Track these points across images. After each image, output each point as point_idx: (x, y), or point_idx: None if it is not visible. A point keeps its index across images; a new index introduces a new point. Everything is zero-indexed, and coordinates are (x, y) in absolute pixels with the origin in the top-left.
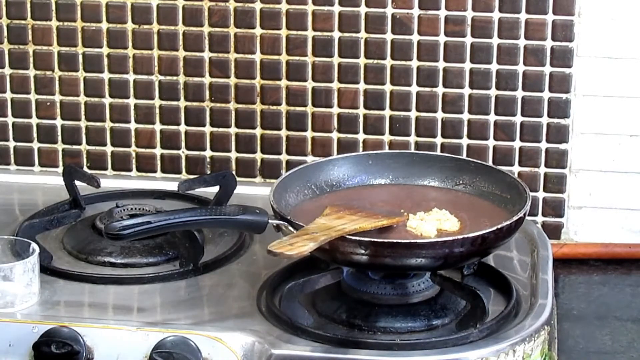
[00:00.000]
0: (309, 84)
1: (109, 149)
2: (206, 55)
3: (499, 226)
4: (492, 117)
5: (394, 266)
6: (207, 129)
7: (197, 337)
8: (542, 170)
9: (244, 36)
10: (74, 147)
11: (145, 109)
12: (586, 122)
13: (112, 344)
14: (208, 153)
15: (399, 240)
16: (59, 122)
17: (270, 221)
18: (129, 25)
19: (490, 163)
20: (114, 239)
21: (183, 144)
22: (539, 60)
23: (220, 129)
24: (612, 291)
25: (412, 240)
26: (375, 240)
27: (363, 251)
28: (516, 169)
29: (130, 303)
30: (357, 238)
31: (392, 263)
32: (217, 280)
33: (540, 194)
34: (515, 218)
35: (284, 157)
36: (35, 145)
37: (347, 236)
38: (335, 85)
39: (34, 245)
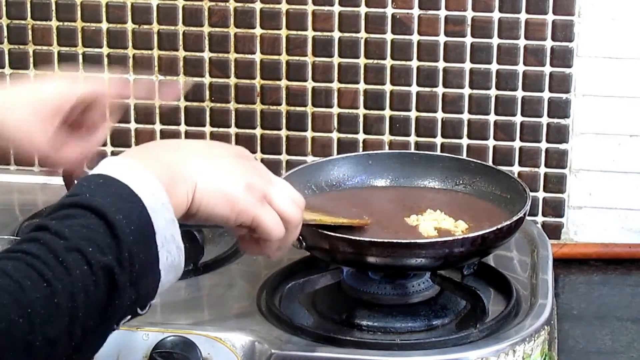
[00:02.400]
0: (309, 84)
1: (109, 148)
2: (206, 55)
3: (499, 226)
4: (492, 117)
5: (394, 266)
6: (207, 129)
7: (197, 337)
8: (542, 170)
9: (244, 36)
10: None
11: (145, 109)
12: (586, 122)
13: (112, 344)
14: None
15: (399, 240)
16: None
17: None
18: (129, 25)
19: (490, 163)
20: None
21: None
22: (539, 60)
23: (220, 129)
24: (612, 291)
25: (412, 240)
26: (376, 240)
27: (363, 251)
28: (516, 169)
29: None
30: (357, 238)
31: (392, 263)
32: (217, 280)
33: (540, 194)
34: (515, 218)
35: (284, 157)
36: None
37: (347, 236)
38: (335, 85)
39: None
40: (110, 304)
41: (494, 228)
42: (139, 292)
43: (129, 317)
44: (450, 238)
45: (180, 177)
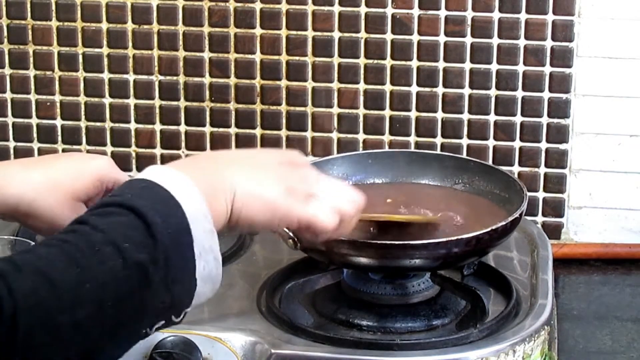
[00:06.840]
0: (309, 84)
1: (109, 149)
2: (206, 55)
3: (494, 227)
4: (492, 117)
5: (390, 267)
6: (207, 129)
7: (197, 337)
8: (542, 170)
9: (244, 36)
10: (74, 147)
11: (145, 109)
12: (586, 122)
13: None
14: None
15: (393, 242)
16: (59, 122)
17: None
18: (129, 25)
19: (490, 163)
20: None
21: (183, 144)
22: (539, 60)
23: (220, 129)
24: (612, 291)
25: (407, 242)
26: (369, 241)
27: (357, 252)
28: (516, 169)
29: None
30: (351, 239)
31: (387, 264)
32: None
33: (540, 194)
34: (510, 219)
35: None
36: (35, 145)
37: (341, 237)
38: (335, 85)
39: (34, 245)
40: (142, 302)
41: (489, 229)
42: (173, 297)
43: (163, 322)
44: (445, 239)
45: (221, 187)
